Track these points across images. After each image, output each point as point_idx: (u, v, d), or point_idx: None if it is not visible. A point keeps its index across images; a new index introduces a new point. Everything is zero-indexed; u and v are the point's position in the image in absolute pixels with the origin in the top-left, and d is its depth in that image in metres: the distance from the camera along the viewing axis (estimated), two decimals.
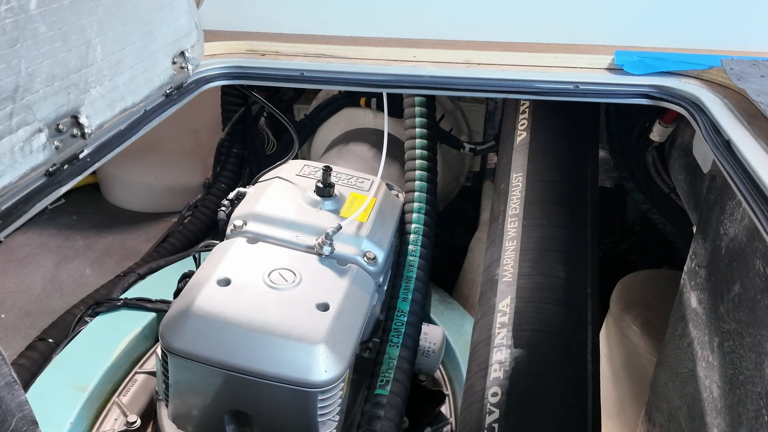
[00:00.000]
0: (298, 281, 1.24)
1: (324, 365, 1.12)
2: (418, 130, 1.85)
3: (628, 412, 1.88)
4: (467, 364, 1.39)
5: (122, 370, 1.55)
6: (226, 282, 1.22)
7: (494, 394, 1.22)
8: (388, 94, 1.82)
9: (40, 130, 0.92)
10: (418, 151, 1.83)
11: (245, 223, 1.39)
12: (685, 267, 1.33)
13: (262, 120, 2.52)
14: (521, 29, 1.58)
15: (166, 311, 1.22)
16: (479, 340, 1.37)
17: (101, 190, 3.35)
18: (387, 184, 1.66)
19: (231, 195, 1.52)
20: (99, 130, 1.08)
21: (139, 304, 1.68)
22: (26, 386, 1.45)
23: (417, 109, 1.87)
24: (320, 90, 2.42)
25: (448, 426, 1.50)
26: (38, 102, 0.91)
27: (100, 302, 1.70)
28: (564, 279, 1.39)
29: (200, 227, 2.53)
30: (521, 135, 1.80)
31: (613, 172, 2.23)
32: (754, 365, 0.92)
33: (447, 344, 1.61)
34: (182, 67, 1.35)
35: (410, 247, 1.62)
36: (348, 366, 1.18)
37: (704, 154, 1.39)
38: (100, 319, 1.65)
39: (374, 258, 1.37)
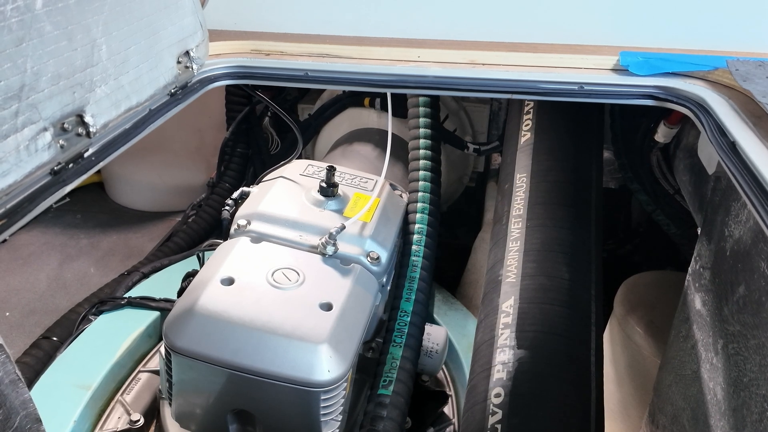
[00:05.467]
0: (302, 281, 1.24)
1: (327, 365, 1.12)
2: (422, 130, 1.85)
3: (631, 414, 1.87)
4: (470, 365, 1.38)
5: (126, 369, 1.55)
6: (229, 281, 1.22)
7: (497, 395, 1.22)
8: (392, 94, 1.82)
9: (45, 129, 0.93)
10: (422, 152, 1.83)
11: (249, 223, 1.39)
12: (689, 268, 1.32)
13: (267, 119, 2.52)
14: (526, 29, 1.58)
15: (169, 310, 1.23)
16: (482, 340, 1.37)
17: (106, 189, 3.36)
18: (391, 184, 1.66)
19: (235, 194, 1.53)
20: (104, 129, 1.08)
21: (142, 302, 1.69)
22: (30, 384, 1.46)
23: (421, 109, 1.87)
24: (324, 90, 2.42)
25: (451, 426, 1.50)
26: (43, 101, 0.92)
27: (104, 301, 1.70)
28: (568, 280, 1.39)
29: (204, 226, 2.54)
30: (525, 135, 1.79)
31: (618, 173, 2.23)
32: (759, 367, 0.92)
33: (450, 345, 1.61)
34: (187, 67, 1.35)
35: (414, 247, 1.62)
36: (351, 366, 1.18)
37: (709, 156, 1.39)
38: (103, 318, 1.65)
39: (377, 258, 1.37)
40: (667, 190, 2.10)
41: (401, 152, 2.00)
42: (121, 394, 1.49)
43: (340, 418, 1.22)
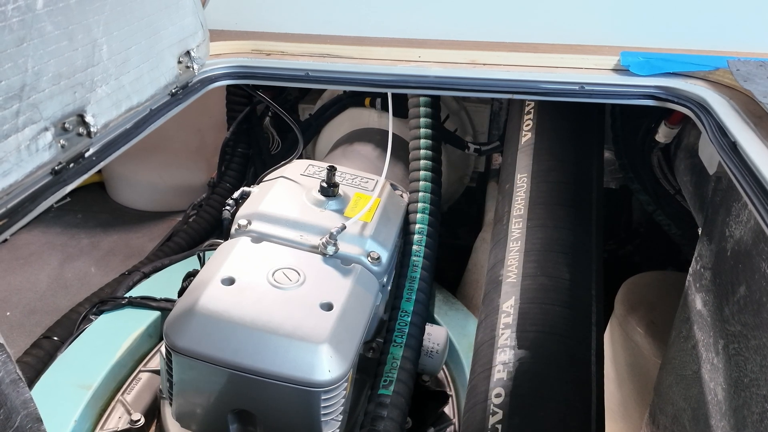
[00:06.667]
0: (302, 281, 1.24)
1: (327, 365, 1.12)
2: (422, 130, 1.85)
3: (632, 414, 1.87)
4: (471, 365, 1.38)
5: (126, 369, 1.55)
6: (230, 281, 1.22)
7: (498, 395, 1.22)
8: (393, 94, 1.82)
9: (46, 129, 0.93)
10: (422, 152, 1.83)
11: (249, 223, 1.39)
12: (690, 269, 1.32)
13: (267, 119, 2.52)
14: (526, 29, 1.58)
15: (170, 310, 1.23)
16: (483, 340, 1.37)
17: (106, 189, 3.36)
18: (391, 184, 1.66)
19: (236, 194, 1.53)
20: (104, 129, 1.08)
21: (143, 302, 1.69)
22: (31, 384, 1.46)
23: (422, 109, 1.87)
24: (325, 90, 2.42)
25: (452, 426, 1.50)
26: (44, 101, 0.92)
27: (105, 300, 1.70)
28: (568, 280, 1.39)
29: (205, 226, 2.54)
30: (526, 135, 1.79)
31: (619, 173, 2.22)
32: (759, 368, 0.92)
33: (450, 345, 1.61)
34: (188, 67, 1.35)
35: (414, 247, 1.62)
36: (351, 366, 1.18)
37: (710, 156, 1.39)
38: (104, 318, 1.65)
39: (378, 258, 1.37)
40: (668, 191, 2.09)
41: (402, 152, 2.00)
42: (122, 394, 1.49)
43: (340, 418, 1.22)
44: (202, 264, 1.64)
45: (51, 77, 0.93)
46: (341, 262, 1.33)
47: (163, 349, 1.22)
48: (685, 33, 1.53)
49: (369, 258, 1.37)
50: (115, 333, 1.59)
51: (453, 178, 2.46)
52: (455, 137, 2.28)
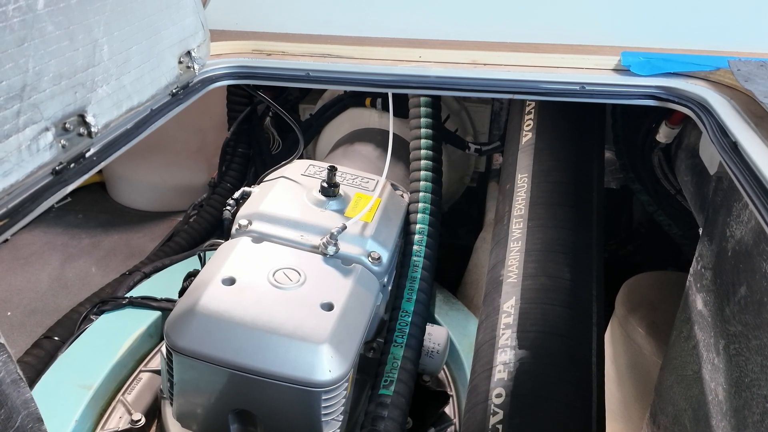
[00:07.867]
0: (303, 281, 1.24)
1: (328, 365, 1.12)
2: (423, 130, 1.85)
3: (632, 414, 1.87)
4: (471, 365, 1.38)
5: (127, 369, 1.56)
6: (230, 281, 1.22)
7: (498, 395, 1.22)
8: (394, 94, 1.82)
9: (46, 129, 0.93)
10: (423, 152, 1.83)
11: (250, 223, 1.39)
12: (690, 269, 1.32)
13: (268, 119, 2.52)
14: (527, 30, 1.58)
15: (171, 310, 1.23)
16: (483, 341, 1.37)
17: (107, 189, 3.37)
18: (392, 184, 1.66)
19: (236, 194, 1.53)
20: (105, 129, 1.08)
21: (144, 302, 1.69)
22: (32, 384, 1.46)
23: (422, 109, 1.87)
24: (326, 90, 2.43)
25: (452, 427, 1.50)
26: (45, 101, 0.92)
27: (106, 300, 1.71)
28: (569, 280, 1.39)
29: (205, 226, 2.54)
30: (527, 136, 1.79)
31: (619, 174, 2.23)
32: (760, 368, 0.92)
33: (451, 345, 1.61)
34: (188, 67, 1.35)
35: (415, 247, 1.62)
36: (352, 366, 1.18)
37: (711, 156, 1.39)
38: (105, 318, 1.65)
39: (379, 258, 1.37)
40: (669, 191, 2.10)
41: (402, 152, 2.01)
42: (123, 394, 1.49)
43: (341, 418, 1.22)
44: (203, 264, 1.64)
45: (52, 77, 0.93)
46: (342, 262, 1.33)
47: (163, 349, 1.22)
48: (685, 33, 1.53)
49: (370, 258, 1.37)
50: (116, 333, 1.59)
51: (453, 178, 2.46)
52: (456, 137, 2.28)
